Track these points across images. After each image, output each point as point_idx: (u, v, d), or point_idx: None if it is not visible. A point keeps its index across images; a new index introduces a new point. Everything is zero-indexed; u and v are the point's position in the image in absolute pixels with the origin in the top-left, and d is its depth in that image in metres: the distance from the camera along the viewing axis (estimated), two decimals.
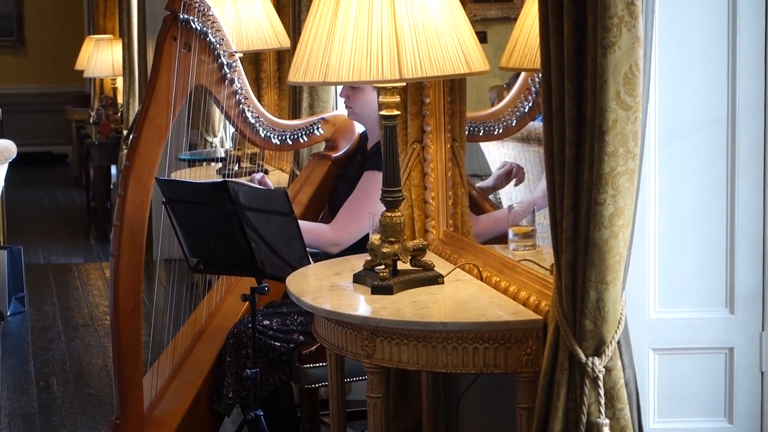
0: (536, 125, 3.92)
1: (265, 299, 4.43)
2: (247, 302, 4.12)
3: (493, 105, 4.09)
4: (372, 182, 4.25)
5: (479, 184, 4.20)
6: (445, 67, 3.35)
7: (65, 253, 9.76)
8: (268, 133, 4.61)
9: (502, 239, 3.81)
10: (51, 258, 9.58)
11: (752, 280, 3.04)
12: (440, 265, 3.68)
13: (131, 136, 4.43)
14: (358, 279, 3.57)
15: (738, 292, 3.04)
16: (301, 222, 4.41)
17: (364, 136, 4.66)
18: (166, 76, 4.34)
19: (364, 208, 4.10)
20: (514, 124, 3.98)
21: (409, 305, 3.33)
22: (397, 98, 3.47)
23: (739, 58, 2.99)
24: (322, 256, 4.49)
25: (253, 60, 6.43)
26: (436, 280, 3.54)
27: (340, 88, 4.82)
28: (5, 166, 7.28)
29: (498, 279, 3.48)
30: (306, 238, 4.34)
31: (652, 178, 3.02)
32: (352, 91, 4.39)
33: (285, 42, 5.74)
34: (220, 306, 4.65)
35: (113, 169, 11.36)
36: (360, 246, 4.17)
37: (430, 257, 3.67)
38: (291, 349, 4.35)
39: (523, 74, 3.96)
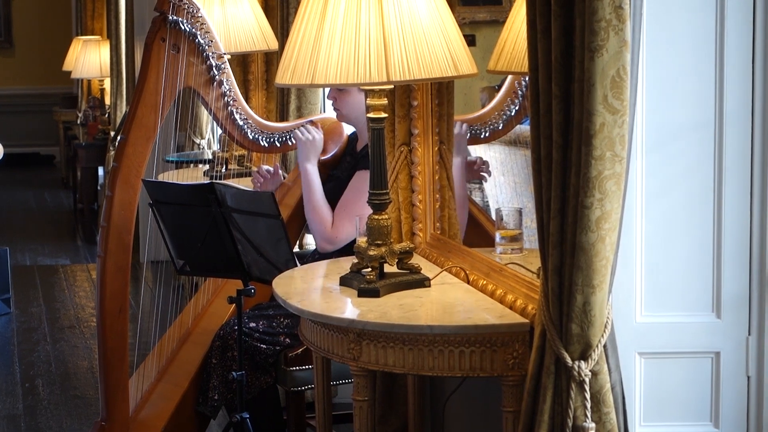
0: (523, 128, 3.92)
1: (251, 301, 4.42)
2: (234, 304, 4.11)
3: (484, 106, 4.09)
4: (365, 181, 4.24)
5: None
6: (432, 69, 3.35)
7: (52, 255, 9.73)
8: (257, 135, 4.61)
9: (487, 240, 3.81)
10: (37, 259, 9.55)
11: (739, 284, 3.04)
12: (427, 268, 3.68)
13: (119, 138, 4.42)
14: (344, 282, 3.57)
15: (724, 296, 3.04)
16: (323, 200, 4.41)
17: (353, 137, 4.66)
18: (154, 77, 4.33)
19: (358, 208, 4.10)
20: (500, 128, 3.98)
21: (396, 308, 3.32)
22: (384, 101, 3.47)
23: (726, 62, 2.99)
24: (309, 258, 4.49)
25: (241, 62, 6.42)
26: (423, 283, 3.54)
27: (327, 90, 4.83)
28: None
29: (485, 282, 3.48)
30: (312, 217, 4.36)
31: (639, 182, 3.02)
32: (338, 93, 4.39)
33: (273, 44, 5.73)
34: (207, 308, 4.64)
35: (100, 171, 11.34)
36: (349, 249, 4.17)
37: (416, 260, 3.67)
38: (277, 352, 4.34)
39: (509, 77, 3.96)
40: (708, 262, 3.05)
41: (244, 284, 4.07)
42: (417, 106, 3.96)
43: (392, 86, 3.60)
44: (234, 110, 4.52)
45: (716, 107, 3.01)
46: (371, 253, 3.49)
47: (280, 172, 4.84)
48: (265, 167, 4.82)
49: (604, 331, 2.80)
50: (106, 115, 11.25)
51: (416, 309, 3.33)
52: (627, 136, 2.70)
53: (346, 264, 3.67)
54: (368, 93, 3.47)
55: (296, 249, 4.92)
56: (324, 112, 5.52)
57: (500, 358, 3.15)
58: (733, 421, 3.08)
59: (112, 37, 10.51)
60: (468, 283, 3.58)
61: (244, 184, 4.96)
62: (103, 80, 11.63)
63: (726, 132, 3.01)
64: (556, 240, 2.81)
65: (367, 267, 3.51)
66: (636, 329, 3.06)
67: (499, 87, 4.04)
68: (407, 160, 4.02)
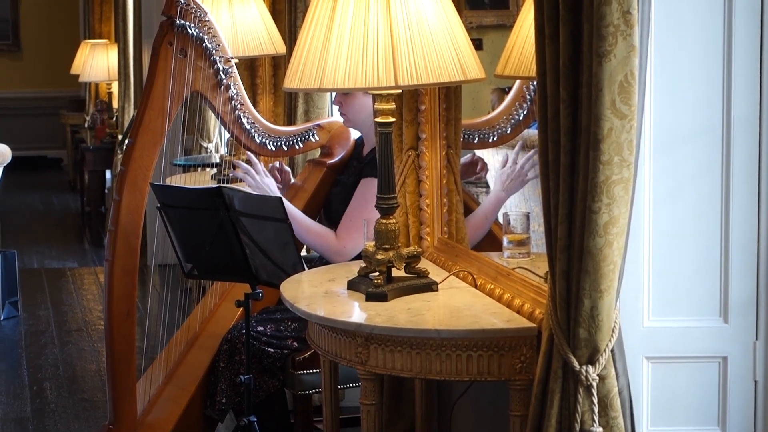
0: (531, 133, 3.93)
1: (259, 305, 4.43)
2: (241, 308, 4.11)
3: (494, 108, 4.10)
4: (371, 189, 4.24)
5: None
6: (441, 74, 3.35)
7: (59, 258, 9.75)
8: (264, 139, 4.61)
9: (495, 245, 3.82)
10: (45, 262, 9.57)
11: (746, 289, 3.04)
12: (435, 273, 3.68)
13: (127, 141, 4.43)
14: (352, 286, 3.57)
15: (732, 301, 3.04)
16: (310, 221, 4.43)
17: (359, 142, 4.67)
18: (161, 81, 4.34)
19: (364, 216, 4.10)
20: (508, 132, 3.98)
21: (403, 312, 3.33)
22: (392, 105, 3.47)
23: (734, 67, 2.99)
24: (316, 262, 4.49)
25: (249, 66, 6.43)
26: (431, 287, 3.54)
27: (334, 94, 4.83)
28: (0, 170, 7.28)
29: (492, 286, 3.48)
30: (311, 240, 4.37)
31: (647, 186, 3.01)
32: (344, 97, 4.39)
33: (281, 48, 5.74)
34: (214, 312, 4.65)
35: (108, 174, 11.36)
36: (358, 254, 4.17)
37: (424, 264, 3.67)
38: (285, 356, 4.34)
39: (517, 82, 3.97)
40: (715, 267, 3.05)
41: (251, 288, 4.07)
42: (424, 111, 3.96)
43: (400, 91, 3.60)
44: (241, 114, 4.53)
45: (724, 112, 3.01)
46: (379, 257, 3.49)
47: (288, 169, 4.84)
48: (282, 166, 4.80)
49: (612, 336, 2.81)
50: (114, 119, 11.27)
51: (424, 313, 3.34)
52: (635, 141, 2.71)
53: (353, 268, 3.68)
54: (376, 97, 3.47)
55: (304, 253, 4.93)
56: (332, 115, 5.52)
57: (508, 363, 3.15)
58: (741, 425, 3.07)
59: (120, 40, 10.53)
60: (475, 287, 3.58)
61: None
62: (110, 84, 11.65)
63: (734, 136, 3.01)
64: (564, 244, 2.81)
65: (375, 271, 3.51)
66: (643, 333, 3.06)
67: (509, 89, 4.04)
68: (415, 165, 4.03)
